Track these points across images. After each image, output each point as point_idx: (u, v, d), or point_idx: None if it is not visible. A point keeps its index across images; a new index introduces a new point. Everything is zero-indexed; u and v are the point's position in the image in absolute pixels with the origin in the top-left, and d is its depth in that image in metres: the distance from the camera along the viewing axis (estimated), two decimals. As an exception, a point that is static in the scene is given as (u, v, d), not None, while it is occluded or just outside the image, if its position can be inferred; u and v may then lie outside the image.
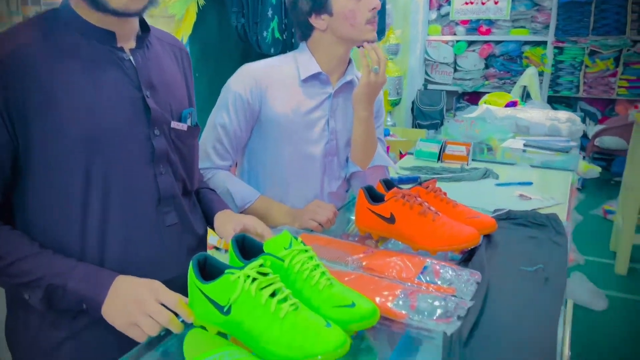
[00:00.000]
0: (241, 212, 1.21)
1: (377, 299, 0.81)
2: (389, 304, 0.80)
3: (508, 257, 1.01)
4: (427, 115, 5.31)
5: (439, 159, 1.91)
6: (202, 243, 0.98)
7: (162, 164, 0.87)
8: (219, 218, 0.99)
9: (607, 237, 3.30)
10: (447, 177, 1.66)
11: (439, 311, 0.78)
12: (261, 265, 0.71)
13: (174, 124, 0.88)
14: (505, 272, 0.95)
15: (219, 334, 0.72)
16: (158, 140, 0.86)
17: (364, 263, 0.96)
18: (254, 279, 0.68)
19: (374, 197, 1.11)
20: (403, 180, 1.60)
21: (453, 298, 0.82)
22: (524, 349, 0.72)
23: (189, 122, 0.91)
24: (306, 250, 0.79)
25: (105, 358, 0.71)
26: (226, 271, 0.69)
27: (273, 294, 0.68)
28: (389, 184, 1.17)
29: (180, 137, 0.91)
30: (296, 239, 0.81)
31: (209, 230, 1.05)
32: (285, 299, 0.68)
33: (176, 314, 0.73)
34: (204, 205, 1.05)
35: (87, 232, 0.81)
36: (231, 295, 0.68)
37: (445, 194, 1.15)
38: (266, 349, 0.65)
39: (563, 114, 2.35)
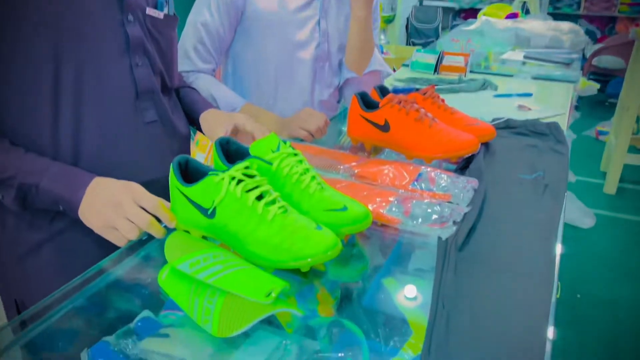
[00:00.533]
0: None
1: (370, 206, 0.78)
2: (382, 210, 0.77)
3: (507, 165, 0.97)
4: (422, 33, 5.10)
5: (435, 71, 1.83)
6: (184, 145, 0.94)
7: (138, 54, 0.81)
8: (207, 119, 0.94)
9: (599, 158, 3.30)
10: (445, 88, 1.59)
11: (434, 216, 0.75)
12: (247, 168, 0.66)
13: (150, 11, 0.81)
14: (504, 180, 0.91)
15: (204, 238, 0.68)
16: (132, 28, 0.79)
17: (356, 171, 0.92)
18: (240, 181, 0.64)
19: (368, 104, 1.04)
20: (398, 92, 1.53)
21: (449, 204, 0.79)
22: (522, 254, 0.69)
23: (165, 10, 0.83)
24: (295, 154, 0.74)
25: (86, 260, 0.69)
26: (210, 173, 0.65)
27: (260, 197, 0.64)
28: (384, 90, 1.10)
29: (157, 25, 0.83)
30: (285, 142, 0.75)
31: (194, 150, 1.00)
32: (273, 202, 0.64)
33: (158, 219, 0.69)
34: (186, 105, 0.99)
35: (59, 128, 0.75)
36: (215, 198, 0.63)
37: (443, 100, 1.09)
38: (254, 252, 0.62)
39: (566, 25, 2.24)
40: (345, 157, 1.00)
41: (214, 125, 0.93)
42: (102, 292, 0.64)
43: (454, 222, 0.74)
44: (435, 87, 1.09)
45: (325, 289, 0.66)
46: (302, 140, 1.11)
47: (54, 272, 0.81)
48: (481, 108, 1.41)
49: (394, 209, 0.77)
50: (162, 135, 0.87)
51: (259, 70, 1.17)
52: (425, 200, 0.79)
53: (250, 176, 0.65)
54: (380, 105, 1.00)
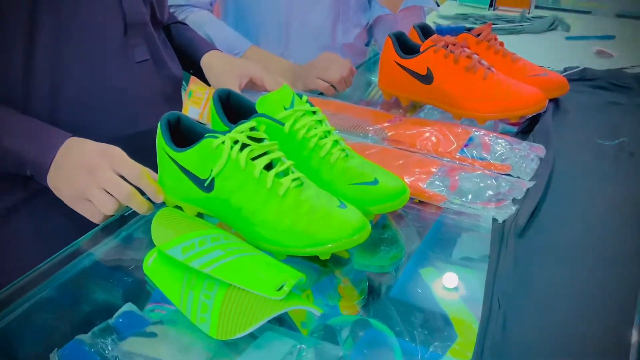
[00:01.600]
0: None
1: (407, 179, 0.77)
2: (422, 184, 0.75)
3: (582, 128, 0.95)
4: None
5: (491, 5, 1.78)
6: (176, 93, 0.94)
7: None
8: (212, 65, 0.95)
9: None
10: (503, 28, 1.55)
11: (488, 192, 0.74)
12: (253, 129, 0.65)
13: None
14: (578, 147, 0.89)
15: (199, 216, 0.68)
16: None
17: (389, 133, 0.90)
18: (245, 146, 0.63)
19: (406, 48, 1.02)
20: (443, 32, 1.49)
21: (507, 177, 0.77)
22: (601, 240, 0.68)
23: None
24: (314, 112, 0.72)
25: (67, 224, 0.69)
26: (207, 135, 0.64)
27: (269, 166, 0.63)
28: (426, 30, 1.07)
29: None
30: (300, 96, 0.74)
31: (186, 103, 1.00)
32: (285, 172, 0.63)
33: (143, 193, 0.69)
34: (182, 45, 0.99)
35: (33, 71, 0.75)
36: (213, 166, 0.63)
37: (502, 44, 1.06)
38: (261, 234, 0.61)
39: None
40: (376, 115, 0.98)
41: (223, 74, 0.93)
42: (76, 280, 0.64)
43: (514, 200, 0.72)
44: (492, 25, 1.05)
45: (349, 281, 0.65)
46: (321, 94, 1.09)
47: (28, 245, 0.82)
48: (549, 54, 1.38)
49: (436, 182, 0.76)
50: (155, 77, 0.87)
51: (267, 7, 1.15)
52: (477, 172, 0.78)
53: (258, 140, 0.64)
54: (421, 50, 0.97)
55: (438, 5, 1.64)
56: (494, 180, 0.76)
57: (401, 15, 1.22)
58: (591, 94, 1.07)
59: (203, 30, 1.10)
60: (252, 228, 0.62)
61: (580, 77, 1.13)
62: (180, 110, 1.02)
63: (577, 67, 1.15)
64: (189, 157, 0.65)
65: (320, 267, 0.65)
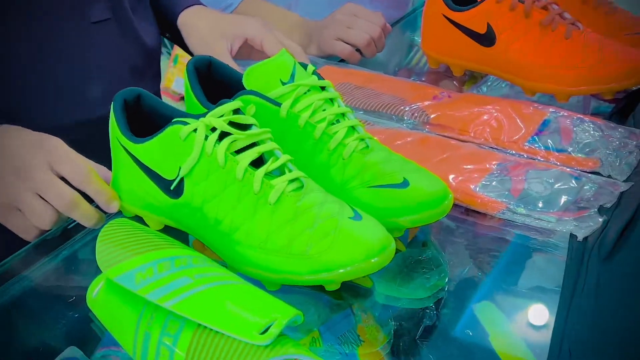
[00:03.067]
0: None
1: (452, 179, 0.76)
2: (474, 187, 0.75)
3: None
4: None
5: None
6: (152, 63, 0.96)
7: None
8: (192, 23, 0.97)
9: None
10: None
11: (565, 198, 0.73)
12: (238, 112, 0.66)
13: None
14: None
15: (166, 229, 0.69)
16: None
17: (431, 116, 0.90)
18: (224, 135, 0.63)
19: (458, -2, 1.01)
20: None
21: (594, 177, 0.76)
22: None
23: None
24: (323, 88, 0.73)
25: None
26: (174, 120, 0.64)
27: (258, 163, 0.64)
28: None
29: None
30: (304, 66, 0.74)
31: (170, 73, 1.02)
32: (280, 171, 0.63)
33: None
34: (158, 2, 1.01)
35: None
36: (182, 163, 0.63)
37: (593, -10, 1.04)
38: (245, 255, 0.62)
39: None
40: (417, 90, 0.98)
41: (208, 36, 0.94)
42: (1, 314, 0.66)
43: (601, 210, 0.71)
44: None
45: (373, 319, 0.65)
46: (342, 60, 1.09)
47: None
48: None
49: (494, 183, 0.76)
50: (119, 43, 0.89)
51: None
52: (552, 170, 0.77)
53: (243, 127, 0.65)
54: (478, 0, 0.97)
55: None
56: (574, 181, 0.75)
57: None
58: None
59: None
60: (233, 247, 0.63)
61: None
62: (158, 88, 1.04)
63: None
64: (151, 150, 0.66)
65: (333, 300, 0.66)
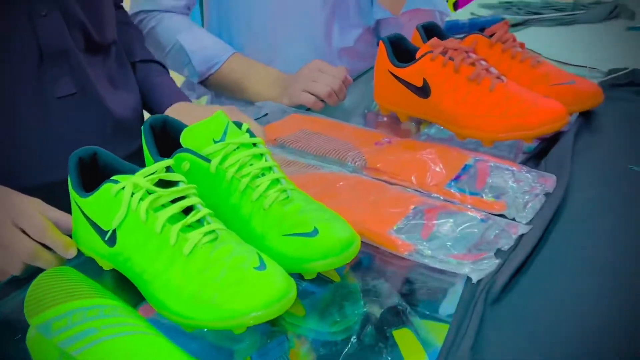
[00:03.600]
0: (204, 81, 1.09)
1: (374, 221, 0.69)
2: (389, 229, 0.67)
3: (614, 150, 0.83)
4: None
5: (544, -9, 1.64)
6: (126, 129, 0.88)
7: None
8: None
9: None
10: (551, 18, 1.42)
11: (467, 241, 0.65)
12: (169, 169, 0.60)
13: None
14: (603, 176, 0.78)
15: (114, 273, 0.63)
16: None
17: (368, 161, 0.82)
18: (149, 193, 0.57)
19: (403, 54, 0.93)
20: (477, 25, 1.38)
21: (499, 220, 0.68)
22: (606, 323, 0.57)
23: None
24: (254, 145, 0.66)
25: None
26: (108, 179, 0.59)
27: (185, 214, 0.58)
28: (433, 31, 0.98)
29: None
30: (238, 125, 0.67)
31: None
32: (196, 225, 0.57)
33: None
34: (143, 92, 0.95)
35: None
36: (113, 217, 0.58)
37: (522, 45, 0.95)
38: (164, 303, 0.56)
39: None
40: (364, 136, 0.90)
41: None
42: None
43: (498, 253, 0.63)
44: (509, 24, 0.95)
45: (305, 344, 0.59)
46: (309, 109, 1.02)
47: None
48: (605, 50, 1.25)
49: (408, 225, 0.68)
50: (85, 116, 0.83)
51: (250, 10, 1.09)
52: (461, 212, 0.69)
53: (169, 184, 0.59)
54: (416, 57, 0.89)
55: (453, 11, 1.54)
56: (480, 224, 0.67)
57: (407, 18, 1.13)
58: (636, 103, 0.94)
59: (175, 39, 1.06)
60: (155, 295, 0.57)
61: (627, 82, 1.00)
62: (135, 149, 0.96)
63: (625, 68, 1.02)
64: (92, 204, 0.60)
65: (270, 327, 0.59)
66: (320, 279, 0.65)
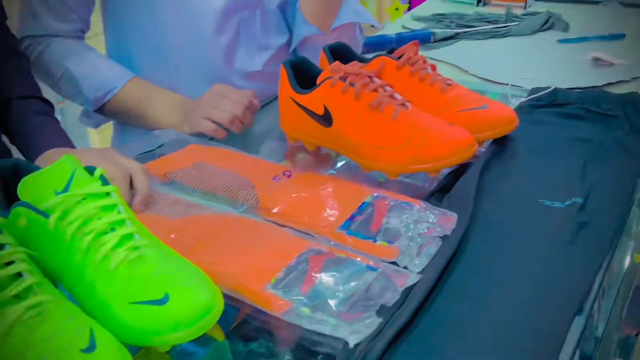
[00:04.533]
0: (100, 109, 1.00)
1: (249, 270, 0.62)
2: (264, 284, 0.60)
3: (526, 181, 0.77)
4: None
5: (480, 2, 1.60)
6: None
7: None
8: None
9: None
10: (484, 30, 1.37)
11: (350, 295, 0.57)
12: (-1, 230, 0.52)
13: None
14: (510, 211, 0.72)
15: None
16: None
17: (259, 201, 0.75)
18: (-33, 259, 0.49)
19: (308, 79, 0.86)
20: (404, 40, 1.32)
21: (388, 268, 0.61)
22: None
23: None
24: (107, 194, 0.58)
25: None
26: None
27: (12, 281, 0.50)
28: (339, 52, 0.92)
29: None
30: (90, 171, 0.59)
31: None
32: (19, 298, 0.49)
33: None
34: (16, 135, 0.86)
35: None
36: None
37: (434, 67, 0.89)
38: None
39: None
40: (263, 169, 0.83)
41: None
42: None
43: (380, 310, 0.56)
44: (418, 44, 0.88)
45: None
46: (212, 139, 0.94)
47: None
48: (534, 64, 1.20)
49: (288, 278, 0.60)
50: None
51: (148, 33, 1.01)
52: (348, 261, 0.62)
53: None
54: (317, 82, 0.82)
55: (383, 23, 1.48)
56: (367, 274, 0.60)
57: (333, 36, 1.07)
58: (556, 126, 0.89)
59: (64, 66, 0.97)
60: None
61: (549, 102, 0.95)
62: None
63: (547, 87, 0.96)
64: None
65: None
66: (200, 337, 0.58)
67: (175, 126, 0.96)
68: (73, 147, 0.85)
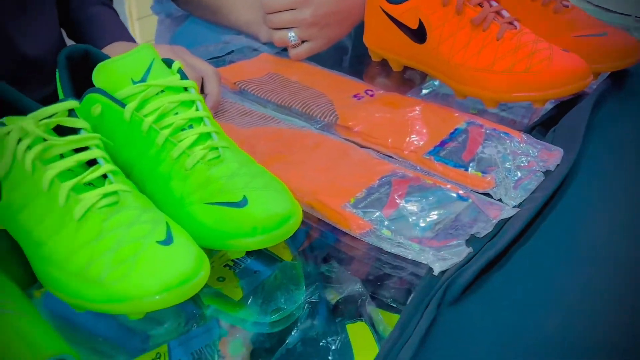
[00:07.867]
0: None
1: (327, 190, 0.65)
2: (344, 203, 0.63)
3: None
4: None
5: None
6: (37, 70, 0.85)
7: None
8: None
9: None
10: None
11: (436, 223, 0.60)
12: (72, 113, 0.56)
13: None
14: (624, 156, 0.72)
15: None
16: None
17: (340, 117, 0.77)
18: (42, 140, 0.54)
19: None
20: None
21: (481, 199, 0.63)
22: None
23: None
24: (185, 89, 0.62)
25: None
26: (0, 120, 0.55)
27: (75, 173, 0.54)
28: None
29: None
30: (168, 63, 0.63)
31: None
32: (95, 184, 0.54)
33: None
34: (75, 26, 0.90)
35: None
36: (-2, 166, 0.55)
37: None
38: (51, 274, 0.53)
39: None
40: (343, 86, 0.86)
41: None
42: None
43: (470, 241, 0.59)
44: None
45: (239, 333, 0.56)
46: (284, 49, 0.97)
47: None
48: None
49: (369, 199, 0.64)
50: None
51: None
52: (435, 188, 0.64)
53: (69, 131, 0.55)
54: (413, -8, 0.83)
55: None
56: (456, 203, 0.62)
57: None
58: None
59: None
60: (38, 263, 0.54)
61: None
62: (49, 93, 0.92)
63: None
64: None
65: (198, 310, 0.57)
66: (267, 256, 0.62)
67: (252, 27, 0.98)
68: (134, 40, 0.89)
